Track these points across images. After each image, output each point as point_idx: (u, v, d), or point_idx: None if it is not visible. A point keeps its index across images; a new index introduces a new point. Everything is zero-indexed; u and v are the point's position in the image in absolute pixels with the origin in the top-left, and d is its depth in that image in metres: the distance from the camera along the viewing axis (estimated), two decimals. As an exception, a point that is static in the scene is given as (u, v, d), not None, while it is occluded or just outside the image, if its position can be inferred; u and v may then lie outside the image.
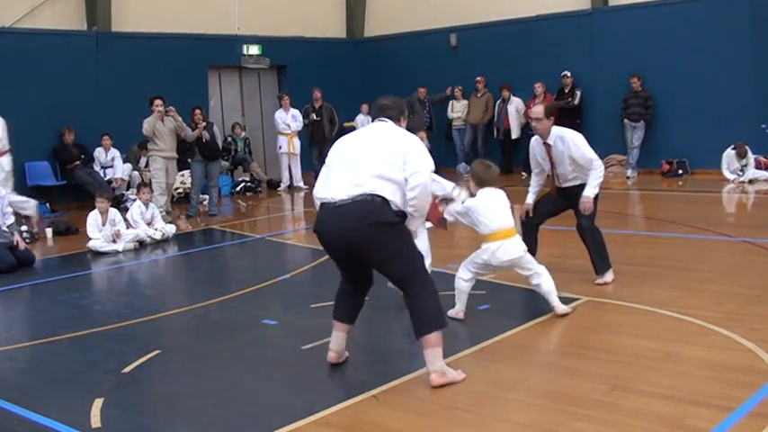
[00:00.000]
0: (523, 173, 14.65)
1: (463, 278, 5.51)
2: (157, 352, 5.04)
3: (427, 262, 5.86)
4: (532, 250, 6.82)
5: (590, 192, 6.15)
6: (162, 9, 14.42)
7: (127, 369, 4.74)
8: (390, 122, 4.49)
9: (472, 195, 5.47)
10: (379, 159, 4.20)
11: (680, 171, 13.38)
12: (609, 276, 6.32)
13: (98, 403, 4.15)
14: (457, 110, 15.72)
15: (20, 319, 6.59)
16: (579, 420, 3.67)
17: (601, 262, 6.33)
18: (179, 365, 4.90)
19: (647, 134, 13.64)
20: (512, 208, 5.44)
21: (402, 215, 4.24)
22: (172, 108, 10.94)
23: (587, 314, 5.44)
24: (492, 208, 5.27)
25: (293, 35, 16.31)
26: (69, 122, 12.70)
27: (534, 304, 5.67)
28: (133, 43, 13.90)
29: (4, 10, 12.53)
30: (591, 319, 5.34)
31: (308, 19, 16.68)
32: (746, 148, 12.24)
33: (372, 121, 4.65)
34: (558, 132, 6.19)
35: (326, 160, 4.48)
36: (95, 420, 3.95)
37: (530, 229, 6.81)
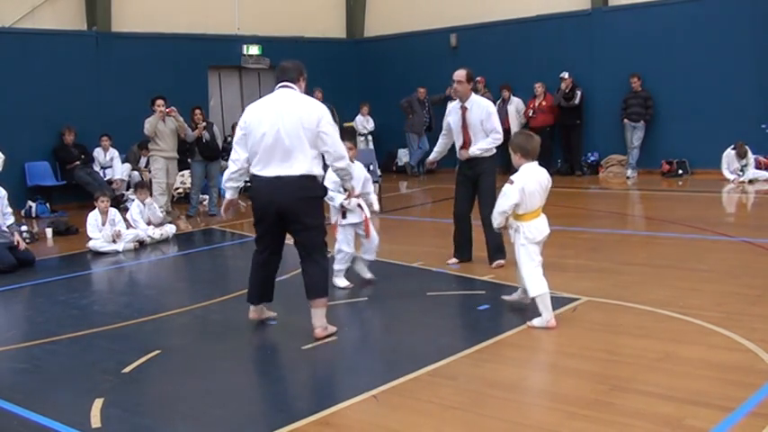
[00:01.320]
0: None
1: (535, 277, 5.21)
2: (157, 352, 5.04)
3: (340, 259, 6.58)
4: (467, 248, 7.14)
5: (472, 149, 6.86)
6: (162, 9, 14.43)
7: (127, 369, 4.74)
8: (294, 87, 5.14)
9: (515, 169, 5.37)
10: (304, 141, 4.97)
11: (680, 171, 13.38)
12: (501, 262, 6.94)
13: (98, 403, 4.15)
14: (456, 110, 15.72)
15: (20, 319, 6.58)
16: (579, 420, 3.67)
17: (496, 251, 6.94)
18: (179, 365, 4.90)
19: (647, 134, 13.64)
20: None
21: (325, 190, 5.28)
22: (173, 108, 10.94)
23: (587, 314, 5.44)
24: (533, 187, 5.21)
25: (293, 35, 16.31)
26: (69, 122, 12.70)
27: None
28: (133, 43, 13.90)
29: (4, 10, 12.54)
30: (591, 319, 5.33)
31: (308, 19, 16.69)
32: (746, 148, 12.24)
33: (277, 83, 5.20)
34: (477, 99, 6.96)
35: (244, 127, 5.13)
36: (95, 420, 3.95)
37: (461, 223, 7.04)
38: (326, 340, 5.10)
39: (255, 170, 5.14)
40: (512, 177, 5.26)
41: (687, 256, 7.20)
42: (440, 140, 7.44)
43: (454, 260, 7.20)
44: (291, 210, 5.04)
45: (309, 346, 5.02)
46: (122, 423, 3.94)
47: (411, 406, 3.99)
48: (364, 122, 16.49)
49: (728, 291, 5.87)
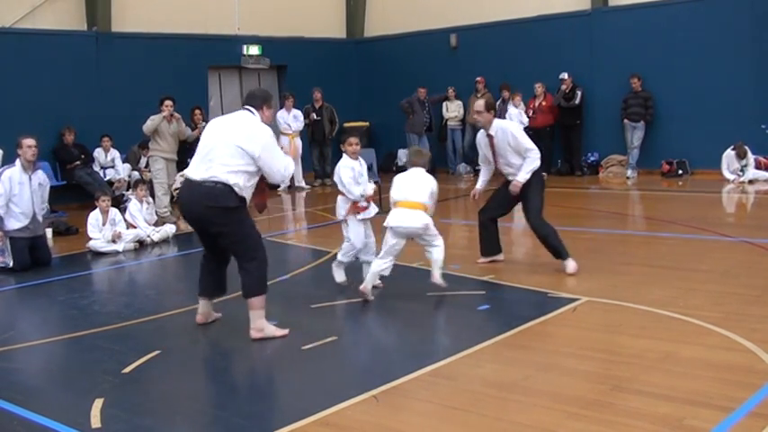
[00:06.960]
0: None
1: (378, 258, 6.06)
2: (157, 352, 5.04)
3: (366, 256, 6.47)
4: (495, 248, 7.20)
5: (521, 177, 6.71)
6: (162, 9, 14.42)
7: (127, 369, 4.74)
8: (255, 113, 5.25)
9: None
10: (231, 151, 5.02)
11: (680, 171, 13.38)
12: (570, 266, 6.62)
13: (98, 403, 4.15)
14: (452, 110, 15.71)
15: (20, 319, 6.58)
16: (579, 420, 3.67)
17: (556, 254, 6.75)
18: (179, 365, 4.90)
19: (647, 134, 13.64)
20: (432, 192, 6.10)
21: (243, 201, 5.12)
22: (178, 115, 11.01)
23: (587, 314, 5.44)
24: (405, 182, 6.11)
25: (293, 35, 16.31)
26: (69, 123, 12.69)
27: (534, 304, 5.68)
28: (133, 43, 13.90)
29: (4, 10, 12.54)
30: (591, 319, 5.34)
31: (308, 19, 16.68)
32: (746, 148, 12.23)
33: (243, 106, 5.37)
34: (500, 125, 6.87)
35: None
36: (95, 420, 3.95)
37: (487, 227, 7.09)
38: (327, 340, 5.09)
39: (186, 169, 5.42)
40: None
41: (687, 257, 7.20)
42: (482, 172, 7.28)
43: (484, 260, 7.19)
44: (202, 216, 5.18)
45: (309, 346, 5.02)
46: (122, 423, 3.94)
47: (411, 406, 4.00)
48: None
49: (728, 291, 5.87)
